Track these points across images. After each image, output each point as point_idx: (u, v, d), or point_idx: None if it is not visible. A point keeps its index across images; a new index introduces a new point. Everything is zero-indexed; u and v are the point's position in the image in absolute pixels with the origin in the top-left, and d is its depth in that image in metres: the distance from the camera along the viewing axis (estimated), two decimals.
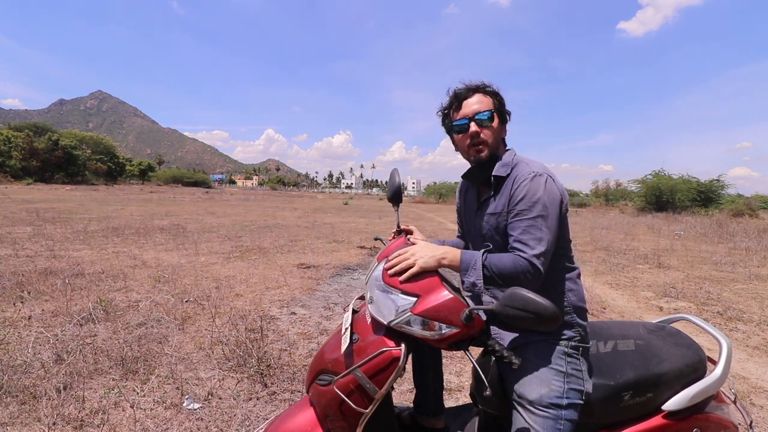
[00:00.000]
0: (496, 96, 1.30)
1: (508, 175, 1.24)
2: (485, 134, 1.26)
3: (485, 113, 1.25)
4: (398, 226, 1.49)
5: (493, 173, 1.26)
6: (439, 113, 1.38)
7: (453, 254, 1.12)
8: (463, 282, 1.13)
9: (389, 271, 1.10)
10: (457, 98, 1.30)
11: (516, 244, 1.12)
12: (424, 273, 1.07)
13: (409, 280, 1.06)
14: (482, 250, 1.13)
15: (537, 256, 1.08)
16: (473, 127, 1.26)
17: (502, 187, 1.25)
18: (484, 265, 1.09)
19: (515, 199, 1.17)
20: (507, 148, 1.35)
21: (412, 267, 1.08)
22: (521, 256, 1.08)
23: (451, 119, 1.33)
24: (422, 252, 1.11)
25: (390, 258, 1.13)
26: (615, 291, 5.36)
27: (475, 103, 1.27)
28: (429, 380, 1.51)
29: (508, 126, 1.34)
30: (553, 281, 1.22)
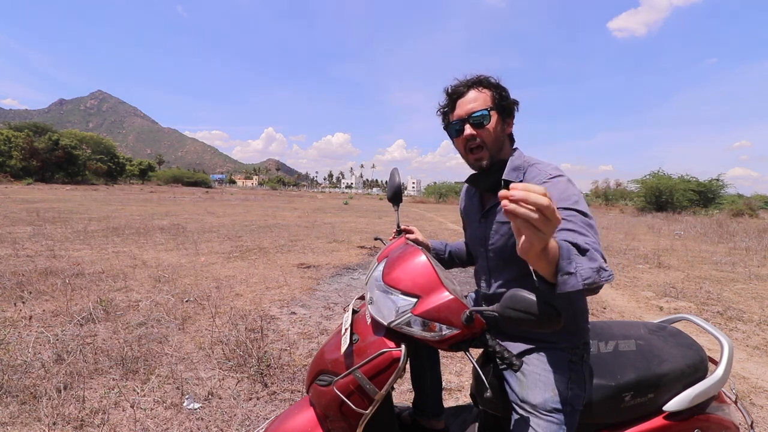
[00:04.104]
0: (496, 88, 1.18)
1: (521, 181, 1.13)
2: (483, 135, 1.16)
3: (480, 112, 1.15)
4: (398, 226, 1.49)
5: (504, 177, 1.16)
6: (439, 113, 1.29)
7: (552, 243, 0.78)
8: (566, 273, 0.80)
9: (518, 187, 0.70)
10: (452, 97, 1.21)
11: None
12: (424, 273, 1.04)
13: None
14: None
15: (605, 268, 0.85)
16: (468, 129, 1.16)
17: None
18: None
19: None
20: (514, 146, 1.26)
21: (540, 219, 0.67)
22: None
23: (449, 120, 1.24)
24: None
25: (529, 188, 0.69)
26: (615, 291, 5.36)
27: (471, 102, 1.17)
28: (427, 382, 1.50)
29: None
30: None
